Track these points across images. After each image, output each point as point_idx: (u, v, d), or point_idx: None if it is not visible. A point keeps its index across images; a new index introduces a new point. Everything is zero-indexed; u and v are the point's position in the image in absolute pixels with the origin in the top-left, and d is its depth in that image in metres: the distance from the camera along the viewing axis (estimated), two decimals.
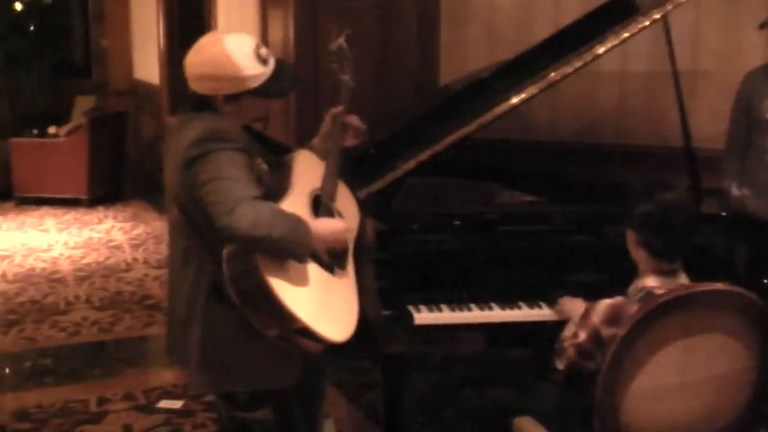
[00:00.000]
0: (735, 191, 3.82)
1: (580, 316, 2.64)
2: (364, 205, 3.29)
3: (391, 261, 3.08)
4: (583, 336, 2.56)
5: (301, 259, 2.52)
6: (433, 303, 3.09)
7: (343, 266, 2.75)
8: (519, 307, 3.12)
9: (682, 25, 4.09)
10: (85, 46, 10.25)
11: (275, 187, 2.61)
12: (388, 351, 3.08)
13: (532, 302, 3.14)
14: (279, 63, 2.71)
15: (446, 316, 3.06)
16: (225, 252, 2.46)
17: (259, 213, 2.40)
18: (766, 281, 3.20)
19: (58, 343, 5.04)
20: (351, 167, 3.46)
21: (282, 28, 4.61)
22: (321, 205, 2.71)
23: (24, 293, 5.93)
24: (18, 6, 9.76)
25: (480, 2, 4.90)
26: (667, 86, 3.94)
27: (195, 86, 2.64)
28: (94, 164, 8.63)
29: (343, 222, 2.72)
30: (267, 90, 2.65)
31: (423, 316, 3.03)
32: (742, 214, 3.60)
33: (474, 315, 3.08)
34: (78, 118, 9.15)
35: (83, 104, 9.51)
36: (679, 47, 3.57)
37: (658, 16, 3.39)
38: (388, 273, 3.06)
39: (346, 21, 4.52)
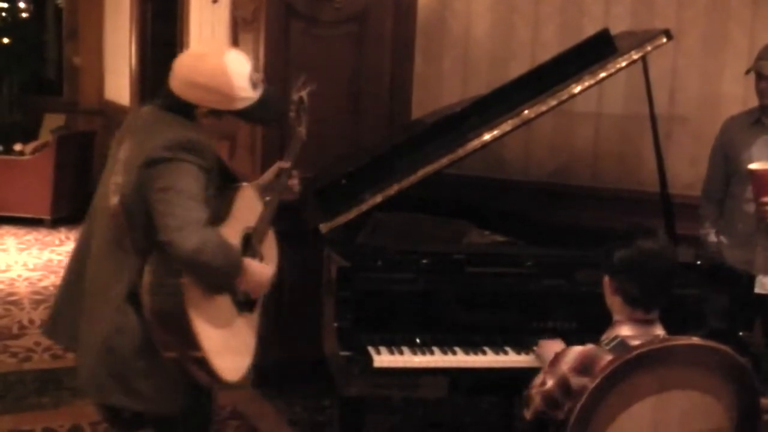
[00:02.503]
0: (712, 238, 3.74)
1: (549, 363, 2.52)
2: (328, 239, 3.19)
3: (353, 299, 2.96)
4: (550, 383, 2.44)
5: (222, 292, 2.56)
6: (394, 345, 2.97)
7: (251, 310, 2.77)
8: (484, 353, 3.00)
9: (660, 69, 4.02)
10: (57, 64, 10.10)
11: (214, 212, 2.57)
12: (346, 393, 2.95)
13: (497, 348, 3.02)
14: (266, 91, 2.69)
15: (407, 359, 2.93)
16: (151, 261, 2.45)
17: (206, 240, 2.41)
18: (741, 334, 3.10)
19: (8, 369, 4.87)
20: (318, 198, 3.37)
21: (252, 53, 4.51)
22: (249, 244, 2.71)
23: None
24: None
25: (456, 35, 4.82)
26: (642, 129, 3.88)
27: (180, 90, 2.57)
28: (59, 184, 8.42)
29: (272, 270, 2.75)
30: (250, 114, 2.65)
31: (383, 359, 2.91)
32: (719, 263, 3.51)
33: (436, 359, 2.96)
34: (45, 135, 8.98)
35: (52, 122, 9.36)
36: (656, 91, 3.49)
37: (636, 56, 3.33)
38: (348, 311, 2.94)
39: (318, 48, 4.51)
